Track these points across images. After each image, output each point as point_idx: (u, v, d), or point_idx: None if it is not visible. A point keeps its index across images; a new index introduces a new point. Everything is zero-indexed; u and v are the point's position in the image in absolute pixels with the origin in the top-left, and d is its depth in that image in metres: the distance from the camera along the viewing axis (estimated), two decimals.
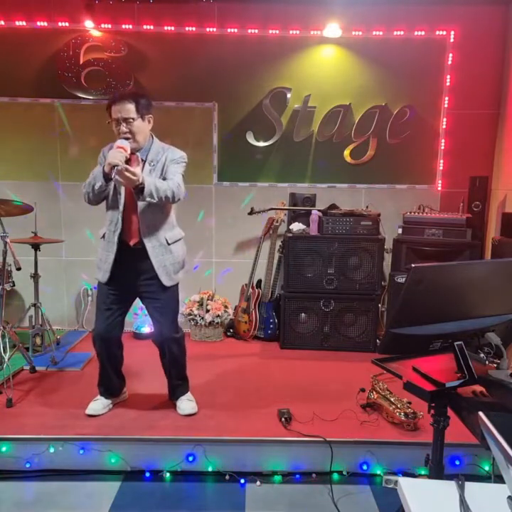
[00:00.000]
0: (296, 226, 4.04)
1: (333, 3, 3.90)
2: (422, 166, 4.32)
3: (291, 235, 3.95)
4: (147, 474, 2.50)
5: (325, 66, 4.21)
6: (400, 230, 3.97)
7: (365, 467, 2.51)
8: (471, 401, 1.56)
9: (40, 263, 3.76)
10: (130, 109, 2.51)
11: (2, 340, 3.05)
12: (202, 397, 2.91)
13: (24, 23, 4.09)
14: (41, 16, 4.07)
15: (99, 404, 2.79)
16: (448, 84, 4.21)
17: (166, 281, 2.64)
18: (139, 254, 2.60)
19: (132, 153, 2.52)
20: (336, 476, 2.50)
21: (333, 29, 4.04)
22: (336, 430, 2.61)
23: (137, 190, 2.41)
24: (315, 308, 3.95)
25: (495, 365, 1.67)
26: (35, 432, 2.56)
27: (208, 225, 4.39)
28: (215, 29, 4.13)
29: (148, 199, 2.43)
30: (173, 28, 4.12)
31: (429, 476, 1.73)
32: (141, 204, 2.55)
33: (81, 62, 4.11)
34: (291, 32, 4.14)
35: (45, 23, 4.09)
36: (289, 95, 4.22)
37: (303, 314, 3.98)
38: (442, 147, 4.29)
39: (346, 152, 4.30)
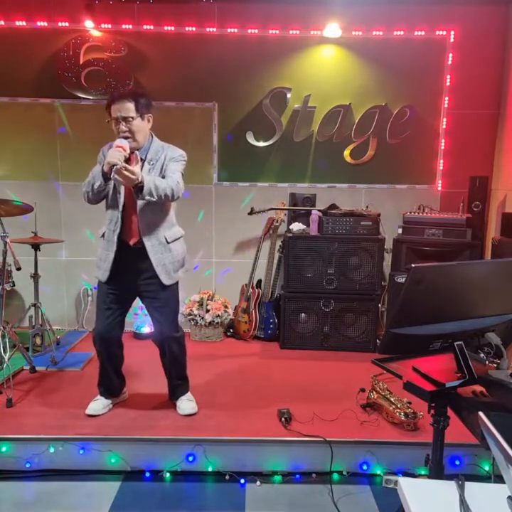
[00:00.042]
0: (296, 226, 4.04)
1: (333, 3, 3.90)
2: (422, 166, 4.32)
3: (291, 235, 3.95)
4: (147, 474, 2.50)
5: (325, 66, 4.21)
6: (400, 230, 3.97)
7: (365, 467, 2.51)
8: (471, 401, 1.56)
9: (40, 263, 3.76)
10: (130, 108, 2.51)
11: (2, 340, 3.05)
12: (202, 397, 2.91)
13: (24, 23, 4.09)
14: (41, 16, 4.07)
15: (99, 404, 2.79)
16: (448, 84, 4.21)
17: (166, 280, 2.64)
18: (139, 254, 2.60)
19: (131, 152, 2.52)
20: (335, 476, 2.50)
21: (333, 29, 4.04)
22: (335, 430, 2.61)
23: (136, 188, 2.41)
24: (315, 308, 3.95)
25: (495, 365, 1.67)
26: (35, 432, 2.56)
27: (207, 225, 4.39)
28: (215, 29, 4.13)
29: (147, 197, 2.43)
30: (173, 28, 4.12)
31: (429, 476, 1.73)
32: (140, 203, 2.55)
33: (81, 62, 4.11)
34: (291, 32, 4.14)
35: (45, 23, 4.09)
36: (289, 95, 4.22)
37: (303, 314, 3.98)
38: (442, 147, 4.29)
39: (346, 152, 4.30)
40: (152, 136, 2.67)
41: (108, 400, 2.84)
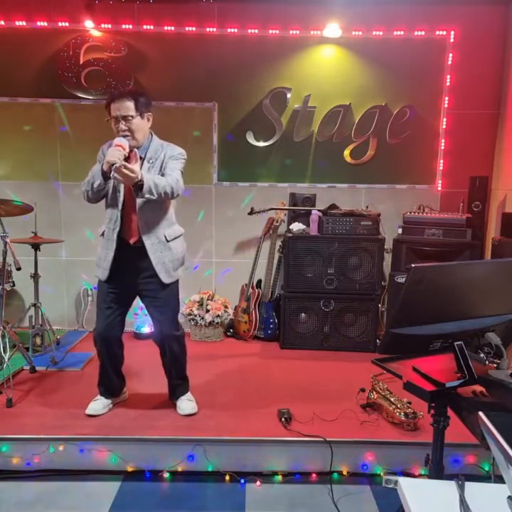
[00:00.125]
0: (296, 226, 4.04)
1: (333, 3, 3.90)
2: (422, 166, 4.32)
3: (291, 235, 3.95)
4: (147, 474, 2.50)
5: (325, 66, 4.21)
6: (400, 230, 3.97)
7: (365, 467, 2.51)
8: (471, 401, 1.56)
9: (40, 263, 3.76)
10: (129, 106, 2.51)
11: (2, 340, 3.05)
12: (202, 397, 2.91)
13: (24, 23, 4.09)
14: (41, 16, 4.07)
15: (99, 404, 2.79)
16: (448, 84, 4.21)
17: (165, 279, 2.64)
18: (139, 252, 2.60)
19: (131, 150, 2.52)
20: (335, 476, 2.50)
21: (333, 29, 4.04)
22: (335, 430, 2.61)
23: (136, 187, 2.40)
24: (315, 308, 3.95)
25: (495, 365, 1.67)
26: (35, 431, 2.56)
27: (207, 225, 4.39)
28: (215, 29, 4.13)
29: (147, 196, 2.43)
30: (173, 28, 4.12)
31: (429, 476, 1.73)
32: (139, 201, 2.55)
33: (81, 62, 4.11)
34: (291, 32, 4.14)
35: (45, 23, 4.09)
36: (289, 95, 4.22)
37: (303, 314, 3.98)
38: (442, 147, 4.29)
39: (346, 152, 4.30)
40: (152, 135, 2.67)
41: (108, 399, 2.84)
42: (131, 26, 4.12)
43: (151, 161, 2.60)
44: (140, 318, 4.21)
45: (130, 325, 4.14)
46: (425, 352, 1.64)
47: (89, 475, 2.51)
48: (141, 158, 2.59)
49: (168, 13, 4.09)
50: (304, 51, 4.19)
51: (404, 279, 3.33)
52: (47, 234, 3.91)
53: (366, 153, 4.29)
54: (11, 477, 2.48)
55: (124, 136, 2.50)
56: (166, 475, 2.49)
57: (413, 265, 1.45)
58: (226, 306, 4.23)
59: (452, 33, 4.14)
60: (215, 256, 4.44)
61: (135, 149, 2.58)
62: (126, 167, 2.31)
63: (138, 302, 2.82)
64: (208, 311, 4.15)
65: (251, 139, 4.28)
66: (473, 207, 4.02)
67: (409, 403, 2.69)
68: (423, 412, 2.54)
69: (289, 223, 4.19)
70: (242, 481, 2.47)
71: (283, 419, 2.67)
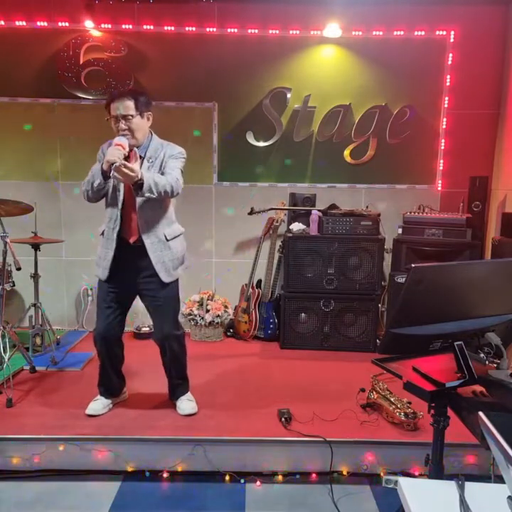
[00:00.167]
0: (296, 226, 4.04)
1: (333, 3, 3.90)
2: (422, 166, 4.32)
3: (291, 235, 3.95)
4: (147, 474, 2.50)
5: (325, 66, 4.21)
6: (400, 230, 3.97)
7: (365, 467, 2.51)
8: (471, 401, 1.56)
9: (40, 263, 3.76)
10: (129, 106, 2.51)
11: (2, 340, 3.05)
12: (202, 397, 2.91)
13: (24, 23, 4.09)
14: (41, 16, 4.07)
15: (99, 404, 2.79)
16: (448, 84, 4.21)
17: (165, 278, 2.64)
18: (139, 252, 2.60)
19: (130, 149, 2.52)
20: (336, 476, 2.50)
21: (333, 29, 4.04)
22: (335, 430, 2.61)
23: (136, 186, 2.40)
24: (315, 308, 3.95)
25: (495, 365, 1.67)
26: (35, 431, 2.56)
27: (207, 225, 4.39)
28: (215, 29, 4.13)
29: (147, 194, 2.43)
30: (173, 28, 4.12)
31: (429, 476, 1.73)
32: (139, 200, 2.55)
33: (81, 62, 4.11)
34: (291, 32, 4.14)
35: (45, 23, 4.09)
36: (289, 95, 4.22)
37: (303, 314, 3.98)
38: (442, 147, 4.29)
39: (346, 152, 4.30)
40: (151, 134, 2.67)
41: (108, 399, 2.84)
42: (131, 26, 4.12)
43: (150, 160, 2.60)
44: (140, 318, 4.20)
45: (130, 325, 4.15)
46: (425, 352, 1.64)
47: (89, 475, 2.51)
48: (140, 157, 2.59)
49: (168, 13, 4.09)
50: (303, 51, 4.19)
51: (404, 279, 3.33)
52: (47, 234, 3.91)
53: (366, 153, 4.29)
54: (11, 477, 2.48)
55: (124, 136, 2.50)
56: (166, 475, 2.49)
57: (413, 265, 1.45)
58: (226, 306, 4.23)
59: (452, 33, 4.14)
60: (215, 256, 4.44)
61: (135, 148, 2.58)
62: (126, 166, 2.31)
63: (138, 302, 2.82)
64: (208, 311, 4.15)
65: (251, 139, 4.28)
66: (473, 207, 4.02)
67: (409, 403, 2.69)
68: (423, 412, 2.54)
69: (289, 223, 4.19)
70: (242, 481, 2.47)
71: (283, 419, 2.67)
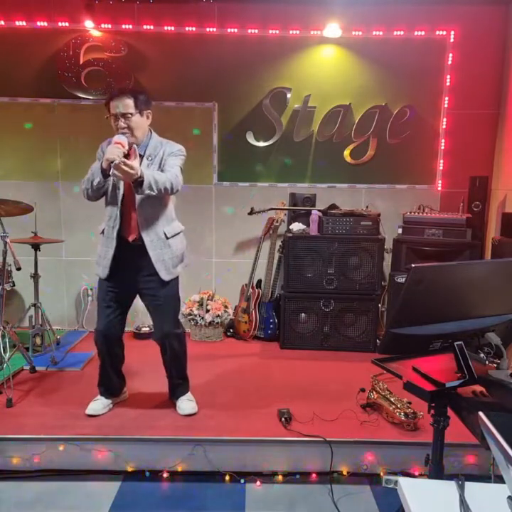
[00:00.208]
0: (296, 226, 4.04)
1: (333, 3, 3.90)
2: (422, 166, 4.32)
3: (291, 235, 3.95)
4: (147, 474, 2.50)
5: (325, 66, 4.21)
6: (400, 230, 3.97)
7: (365, 467, 2.51)
8: (471, 401, 1.56)
9: (40, 263, 3.76)
10: (129, 104, 2.51)
11: (2, 340, 3.05)
12: (202, 397, 2.91)
13: (24, 23, 4.09)
14: (41, 16, 4.07)
15: (99, 404, 2.79)
16: (448, 84, 4.21)
17: (165, 276, 2.64)
18: (138, 250, 2.60)
19: (130, 147, 2.52)
20: (336, 476, 2.50)
21: (333, 29, 4.04)
22: (336, 430, 2.61)
23: (136, 183, 2.40)
24: (315, 308, 3.95)
25: (495, 365, 1.67)
26: (35, 432, 2.56)
27: (208, 225, 4.39)
28: (215, 29, 4.13)
29: (147, 191, 2.42)
30: (173, 28, 4.12)
31: (429, 476, 1.73)
32: (139, 197, 2.55)
33: (81, 62, 4.11)
34: (291, 32, 4.14)
35: (45, 23, 4.09)
36: (289, 95, 4.22)
37: (303, 314, 3.98)
38: (442, 147, 4.29)
39: (346, 152, 4.30)
40: (151, 132, 2.67)
41: (108, 399, 2.84)
42: (131, 26, 4.12)
43: (150, 158, 2.60)
44: (140, 318, 4.20)
45: (130, 325, 4.15)
46: (425, 352, 1.64)
47: (89, 475, 2.51)
48: (140, 155, 2.59)
49: (168, 13, 4.09)
50: (304, 51, 4.19)
51: (404, 279, 3.33)
52: (47, 234, 3.91)
53: (366, 153, 4.29)
54: (11, 477, 2.48)
55: (124, 134, 2.50)
56: (166, 475, 2.49)
57: (413, 265, 1.45)
58: (226, 306, 4.23)
59: (452, 33, 4.14)
60: (215, 256, 4.44)
61: (134, 145, 2.57)
62: (125, 164, 2.31)
63: (138, 301, 2.82)
64: (208, 311, 4.15)
65: (251, 138, 4.28)
66: (473, 207, 4.02)
67: (409, 403, 2.69)
68: (423, 412, 2.54)
69: (289, 223, 4.19)
70: (242, 481, 2.47)
71: (283, 419, 2.67)
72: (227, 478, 2.48)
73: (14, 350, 3.24)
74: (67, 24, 4.09)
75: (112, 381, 2.85)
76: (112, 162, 2.31)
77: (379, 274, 3.91)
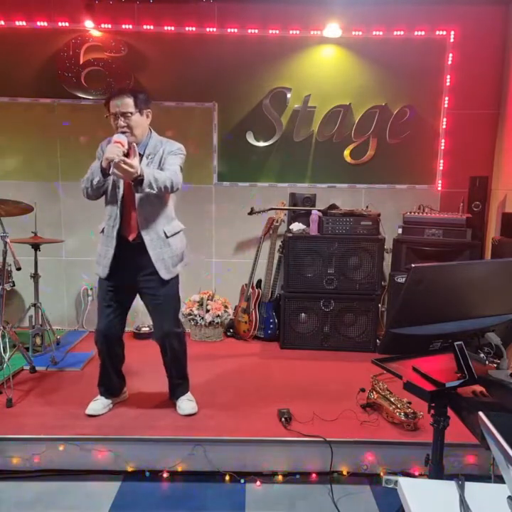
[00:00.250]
0: (296, 226, 4.04)
1: (333, 3, 3.90)
2: (422, 166, 4.32)
3: (291, 235, 3.95)
4: (147, 474, 2.50)
5: (325, 66, 4.21)
6: (400, 230, 3.97)
7: (365, 467, 2.51)
8: (471, 401, 1.56)
9: (40, 263, 3.76)
10: (128, 103, 2.51)
11: (2, 340, 3.05)
12: (202, 397, 2.91)
13: (24, 23, 4.09)
14: (41, 16, 4.07)
15: (99, 404, 2.79)
16: (448, 84, 4.21)
17: (165, 275, 2.64)
18: (138, 249, 2.60)
19: (129, 146, 2.51)
20: (336, 476, 2.50)
21: (333, 29, 4.04)
22: (336, 430, 2.61)
23: (136, 182, 2.40)
24: (315, 308, 3.95)
25: (495, 365, 1.67)
26: (35, 432, 2.56)
27: (207, 225, 4.39)
28: (215, 29, 4.13)
29: (147, 190, 2.42)
30: (173, 28, 4.12)
31: (429, 476, 1.73)
32: (138, 196, 2.55)
33: (81, 62, 4.11)
34: (291, 32, 4.14)
35: (45, 23, 4.09)
36: (289, 95, 4.22)
37: (303, 314, 3.98)
38: (442, 147, 4.29)
39: (346, 152, 4.30)
40: (151, 131, 2.67)
41: (108, 399, 2.84)
42: (131, 26, 4.12)
43: (150, 157, 2.60)
44: (140, 318, 4.20)
45: (130, 325, 4.15)
46: (425, 352, 1.64)
47: (89, 475, 2.51)
48: (140, 154, 2.59)
49: (168, 13, 4.09)
50: (304, 51, 4.19)
51: (404, 279, 3.33)
52: (47, 234, 3.91)
53: (366, 153, 4.29)
54: (11, 477, 2.48)
55: (123, 133, 2.50)
56: (166, 475, 2.49)
57: (413, 265, 1.45)
58: (226, 306, 4.23)
59: (452, 33, 4.14)
60: (215, 256, 4.44)
61: (134, 144, 2.57)
62: (125, 162, 2.31)
63: (138, 301, 2.82)
64: (208, 311, 4.15)
65: (251, 139, 4.28)
66: (473, 207, 4.02)
67: (409, 403, 2.69)
68: (423, 412, 2.54)
69: (289, 223, 4.19)
70: (242, 481, 2.47)
71: (283, 419, 2.67)
72: (227, 478, 2.48)
73: (14, 350, 3.24)
74: (67, 24, 4.09)
75: (112, 381, 2.85)
76: (112, 161, 2.31)
77: (379, 274, 3.91)
